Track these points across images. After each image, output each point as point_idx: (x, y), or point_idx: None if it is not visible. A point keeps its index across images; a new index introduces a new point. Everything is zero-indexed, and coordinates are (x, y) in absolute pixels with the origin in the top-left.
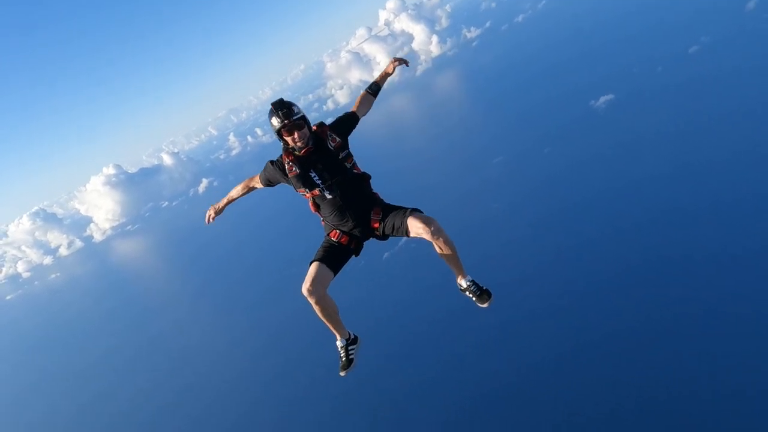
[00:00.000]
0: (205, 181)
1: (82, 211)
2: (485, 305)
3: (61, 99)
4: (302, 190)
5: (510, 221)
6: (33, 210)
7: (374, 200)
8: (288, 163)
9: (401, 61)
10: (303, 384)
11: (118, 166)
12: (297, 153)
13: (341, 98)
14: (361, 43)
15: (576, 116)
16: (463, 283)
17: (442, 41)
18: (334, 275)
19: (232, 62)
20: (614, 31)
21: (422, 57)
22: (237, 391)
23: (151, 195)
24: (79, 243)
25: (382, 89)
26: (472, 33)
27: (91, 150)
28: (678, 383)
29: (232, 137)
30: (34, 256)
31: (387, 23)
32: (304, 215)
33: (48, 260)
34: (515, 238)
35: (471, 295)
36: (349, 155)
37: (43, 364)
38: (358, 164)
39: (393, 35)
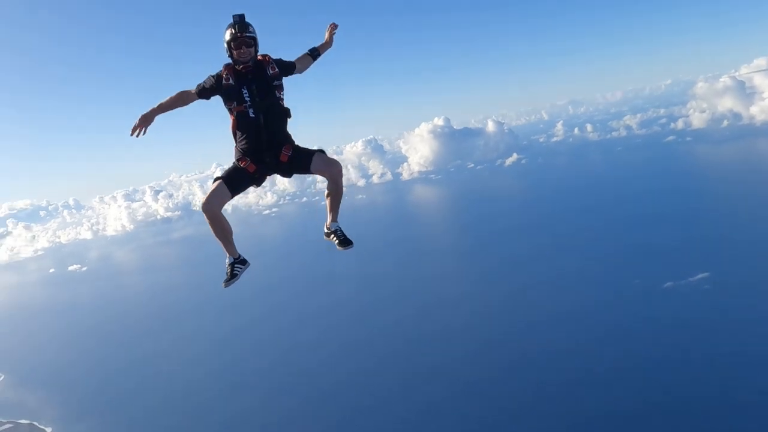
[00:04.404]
0: (514, 156)
1: (403, 151)
2: (343, 249)
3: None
4: (231, 103)
5: None
6: (368, 138)
7: (288, 138)
8: (226, 74)
9: (333, 27)
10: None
11: (447, 120)
12: (237, 68)
13: (696, 122)
14: (755, 72)
15: None
16: (332, 226)
17: None
18: (232, 197)
19: (607, 53)
20: None
21: None
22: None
23: (463, 154)
24: (389, 176)
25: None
26: None
27: (434, 99)
28: None
29: (559, 125)
30: (353, 175)
31: None
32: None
33: (361, 182)
34: None
35: (335, 238)
36: (281, 87)
37: (336, 268)
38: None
39: None
